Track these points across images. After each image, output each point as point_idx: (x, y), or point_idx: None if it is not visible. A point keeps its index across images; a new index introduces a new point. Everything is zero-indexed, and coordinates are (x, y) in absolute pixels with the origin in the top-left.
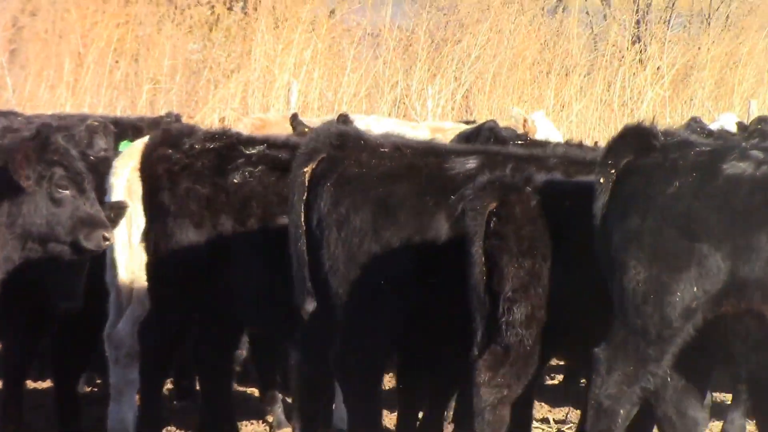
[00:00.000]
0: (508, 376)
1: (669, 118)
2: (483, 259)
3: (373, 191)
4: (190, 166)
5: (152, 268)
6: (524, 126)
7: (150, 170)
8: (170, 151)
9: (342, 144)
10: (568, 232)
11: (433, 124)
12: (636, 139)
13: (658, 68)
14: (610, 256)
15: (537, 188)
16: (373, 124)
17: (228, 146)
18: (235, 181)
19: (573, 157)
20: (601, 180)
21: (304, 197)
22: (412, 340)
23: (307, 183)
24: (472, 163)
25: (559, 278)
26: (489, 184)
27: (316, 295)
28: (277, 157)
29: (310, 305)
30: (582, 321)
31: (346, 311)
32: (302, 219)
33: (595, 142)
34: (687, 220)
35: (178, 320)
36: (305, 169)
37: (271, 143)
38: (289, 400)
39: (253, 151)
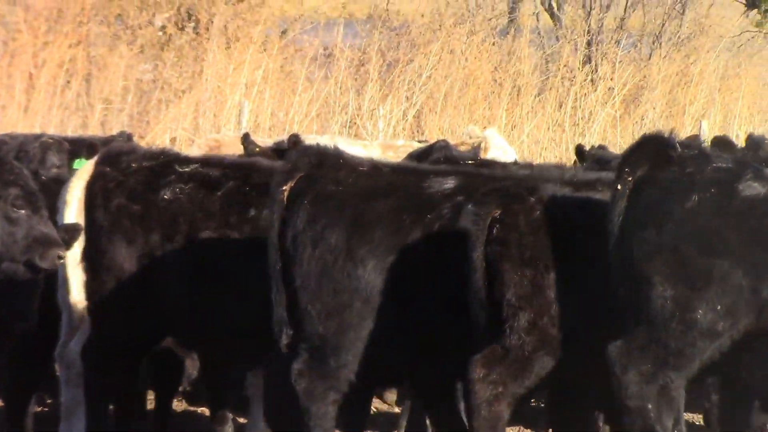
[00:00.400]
0: (504, 374)
1: (620, 138)
2: (483, 264)
3: (349, 209)
4: (123, 183)
5: (89, 287)
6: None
7: (89, 188)
8: (108, 169)
9: (321, 162)
10: (571, 244)
11: (385, 143)
12: (654, 150)
13: (609, 88)
14: (628, 264)
15: (540, 199)
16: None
17: (163, 164)
18: (166, 197)
19: (546, 175)
20: (619, 187)
21: (282, 216)
22: (387, 358)
23: (285, 202)
24: (450, 183)
25: (562, 289)
26: (493, 192)
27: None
28: (208, 174)
29: (286, 339)
30: (583, 334)
31: (313, 326)
32: (278, 239)
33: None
34: (707, 237)
35: (119, 339)
36: (284, 188)
37: (205, 162)
38: (240, 420)
39: (186, 169)
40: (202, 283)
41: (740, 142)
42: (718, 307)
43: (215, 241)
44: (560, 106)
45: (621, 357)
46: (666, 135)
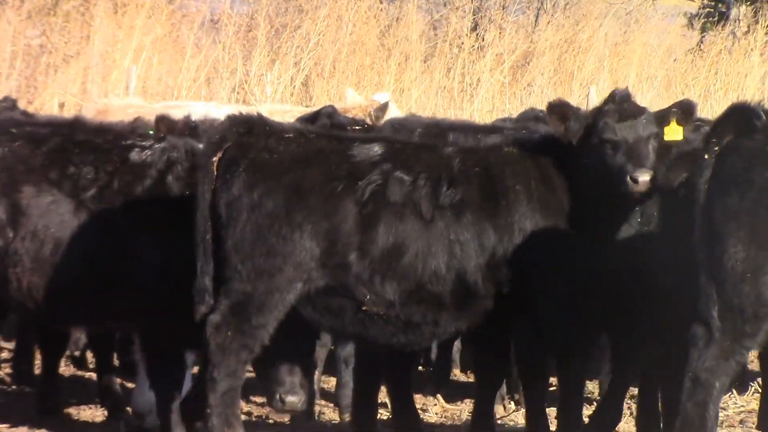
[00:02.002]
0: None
1: (508, 104)
2: None
3: (286, 176)
4: None
5: None
6: (368, 112)
7: None
8: None
9: (249, 131)
10: None
11: (272, 108)
12: (740, 119)
13: (497, 55)
14: (709, 230)
15: None
16: (212, 111)
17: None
18: None
19: (465, 146)
20: (706, 156)
21: (213, 186)
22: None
23: (215, 172)
24: (376, 151)
25: None
26: None
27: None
28: (36, 132)
29: (206, 308)
30: None
31: (241, 284)
32: (208, 210)
33: None
34: None
35: None
36: (213, 159)
37: (41, 123)
38: (129, 385)
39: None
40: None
41: None
42: None
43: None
44: (448, 73)
45: (704, 333)
46: (752, 104)
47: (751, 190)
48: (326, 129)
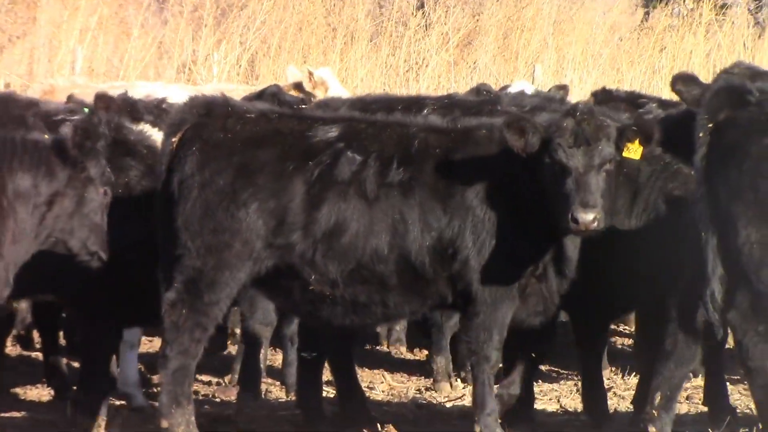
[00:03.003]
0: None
1: (454, 83)
2: None
3: (236, 155)
4: None
5: None
6: (310, 80)
7: None
8: None
9: (208, 112)
10: None
11: (219, 87)
12: (731, 96)
13: (443, 33)
14: (715, 207)
15: None
16: (159, 91)
17: None
18: None
19: (432, 125)
20: (700, 135)
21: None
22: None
23: (174, 152)
24: (334, 131)
25: None
26: None
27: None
28: None
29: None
30: None
31: (191, 261)
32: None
33: None
34: None
35: None
36: (173, 140)
37: None
38: (75, 365)
39: None
40: None
41: (572, 87)
42: None
43: None
44: (394, 51)
45: (740, 323)
46: (739, 82)
47: (748, 161)
48: (296, 109)
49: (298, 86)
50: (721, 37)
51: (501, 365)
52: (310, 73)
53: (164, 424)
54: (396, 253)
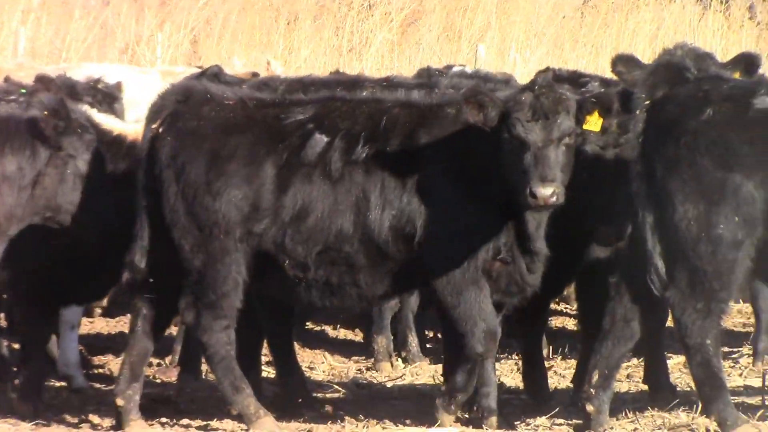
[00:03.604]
0: None
1: (397, 63)
2: None
3: (207, 143)
4: None
5: None
6: (267, 70)
7: None
8: None
9: (186, 98)
10: None
11: (165, 69)
12: (668, 73)
13: (386, 13)
14: (653, 184)
15: None
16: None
17: None
18: None
19: (410, 101)
20: (637, 112)
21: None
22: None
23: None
24: (307, 113)
25: None
26: None
27: (161, 245)
28: None
29: (142, 263)
30: None
31: (188, 261)
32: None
33: None
34: (720, 149)
35: None
36: (153, 126)
37: None
38: (15, 346)
39: None
40: None
41: (516, 67)
42: (736, 219)
43: None
44: (338, 32)
45: (678, 300)
46: (678, 59)
47: (685, 136)
48: (277, 94)
49: (255, 75)
50: (667, 16)
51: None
52: (268, 63)
53: (233, 411)
54: (360, 232)
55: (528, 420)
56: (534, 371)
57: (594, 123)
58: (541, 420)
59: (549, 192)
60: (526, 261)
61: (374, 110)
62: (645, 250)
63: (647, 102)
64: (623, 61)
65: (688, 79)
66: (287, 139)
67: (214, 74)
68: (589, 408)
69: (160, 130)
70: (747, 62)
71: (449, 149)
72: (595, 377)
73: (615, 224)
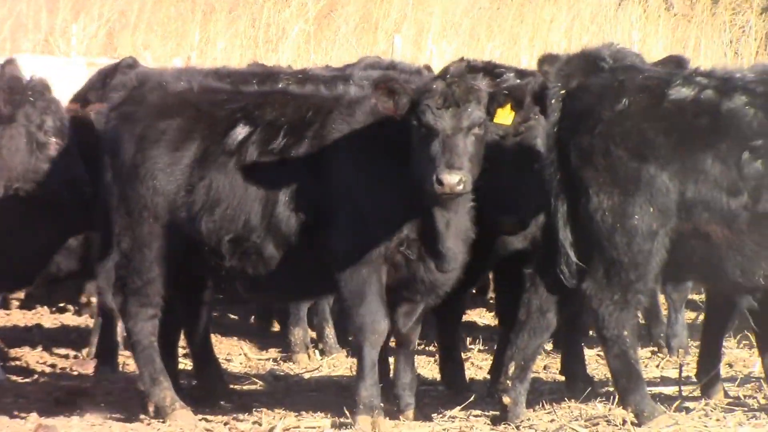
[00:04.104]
0: None
1: (313, 54)
2: None
3: (138, 128)
4: None
5: None
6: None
7: None
8: None
9: (140, 84)
10: None
11: (90, 60)
12: (583, 63)
13: (302, 4)
14: (567, 174)
15: None
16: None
17: None
18: None
19: (327, 95)
20: (552, 101)
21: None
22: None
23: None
24: (240, 103)
25: None
26: None
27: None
28: None
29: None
30: None
31: (118, 245)
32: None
33: None
34: (635, 139)
35: None
36: (111, 114)
37: None
38: None
39: None
40: None
41: (432, 58)
42: (651, 209)
43: None
44: (254, 23)
45: (595, 292)
46: (594, 49)
47: (600, 125)
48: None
49: None
50: (583, 7)
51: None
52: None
53: (150, 407)
54: (267, 222)
55: (445, 411)
56: (451, 362)
57: (505, 116)
58: (458, 411)
59: (455, 179)
60: (435, 261)
61: (299, 103)
62: (556, 240)
63: (562, 92)
64: (549, 61)
65: (603, 68)
66: (215, 127)
67: (129, 65)
68: (506, 400)
69: (110, 114)
70: (675, 64)
71: (359, 141)
72: (512, 369)
73: (516, 214)
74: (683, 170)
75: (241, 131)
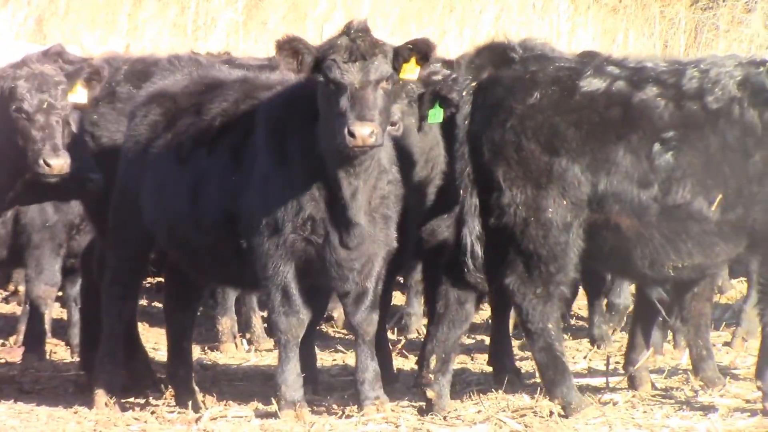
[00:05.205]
0: None
1: (243, 43)
2: None
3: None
4: None
5: None
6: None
7: None
8: None
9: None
10: None
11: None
12: (493, 54)
13: None
14: (480, 167)
15: None
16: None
17: None
18: None
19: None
20: (463, 93)
21: None
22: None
23: None
24: (201, 95)
25: None
26: None
27: None
28: None
29: None
30: None
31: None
32: None
33: None
34: (546, 133)
35: None
36: None
37: None
38: None
39: None
40: None
41: None
42: (564, 202)
43: None
44: (183, 11)
45: (518, 286)
46: (505, 40)
47: (512, 119)
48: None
49: None
50: None
51: None
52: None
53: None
54: (194, 213)
55: None
56: (379, 353)
57: (411, 71)
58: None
59: (368, 131)
60: (341, 233)
61: (243, 91)
62: (462, 231)
63: (473, 84)
64: None
65: (514, 59)
66: (180, 118)
67: (57, 53)
68: (430, 394)
69: None
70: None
71: (267, 122)
72: (433, 362)
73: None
74: (594, 162)
75: (184, 122)
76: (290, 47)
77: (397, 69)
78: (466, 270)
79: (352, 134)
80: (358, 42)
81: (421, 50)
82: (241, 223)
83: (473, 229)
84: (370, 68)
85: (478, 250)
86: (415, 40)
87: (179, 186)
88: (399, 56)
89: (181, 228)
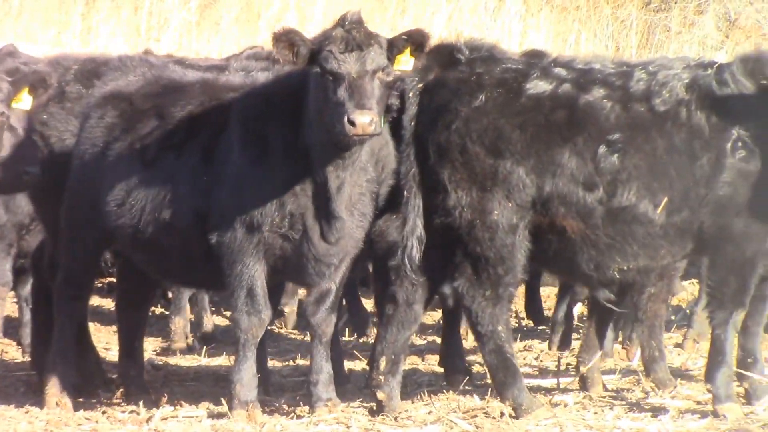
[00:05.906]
0: None
1: (196, 44)
2: None
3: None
4: None
5: None
6: None
7: None
8: None
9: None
10: None
11: None
12: (439, 55)
13: None
14: (425, 169)
15: None
16: None
17: None
18: None
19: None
20: (410, 94)
21: None
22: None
23: None
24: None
25: None
26: None
27: None
28: None
29: None
30: None
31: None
32: None
33: None
34: (491, 136)
35: None
36: None
37: None
38: None
39: None
40: None
41: None
42: (509, 204)
43: None
44: (136, 11)
45: (467, 289)
46: (452, 40)
47: (457, 122)
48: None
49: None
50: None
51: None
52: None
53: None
54: (162, 215)
55: None
56: (331, 353)
57: (406, 62)
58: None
59: (367, 119)
60: (322, 227)
61: (204, 96)
62: (403, 231)
63: (419, 85)
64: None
65: (460, 60)
66: (140, 121)
67: (10, 53)
68: (380, 395)
69: None
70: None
71: (243, 121)
72: (383, 364)
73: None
74: (540, 165)
75: (148, 125)
76: (286, 39)
77: (391, 60)
78: (404, 270)
79: (352, 123)
80: (353, 33)
81: (416, 41)
82: (212, 220)
83: (415, 230)
84: (366, 58)
85: (416, 252)
86: (409, 30)
87: (146, 188)
88: (393, 47)
89: (148, 230)
